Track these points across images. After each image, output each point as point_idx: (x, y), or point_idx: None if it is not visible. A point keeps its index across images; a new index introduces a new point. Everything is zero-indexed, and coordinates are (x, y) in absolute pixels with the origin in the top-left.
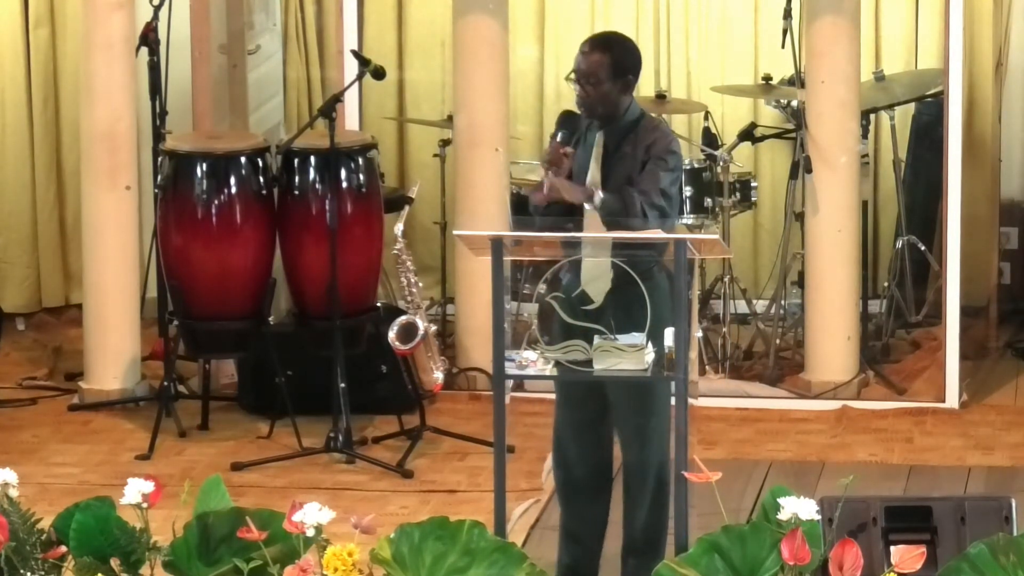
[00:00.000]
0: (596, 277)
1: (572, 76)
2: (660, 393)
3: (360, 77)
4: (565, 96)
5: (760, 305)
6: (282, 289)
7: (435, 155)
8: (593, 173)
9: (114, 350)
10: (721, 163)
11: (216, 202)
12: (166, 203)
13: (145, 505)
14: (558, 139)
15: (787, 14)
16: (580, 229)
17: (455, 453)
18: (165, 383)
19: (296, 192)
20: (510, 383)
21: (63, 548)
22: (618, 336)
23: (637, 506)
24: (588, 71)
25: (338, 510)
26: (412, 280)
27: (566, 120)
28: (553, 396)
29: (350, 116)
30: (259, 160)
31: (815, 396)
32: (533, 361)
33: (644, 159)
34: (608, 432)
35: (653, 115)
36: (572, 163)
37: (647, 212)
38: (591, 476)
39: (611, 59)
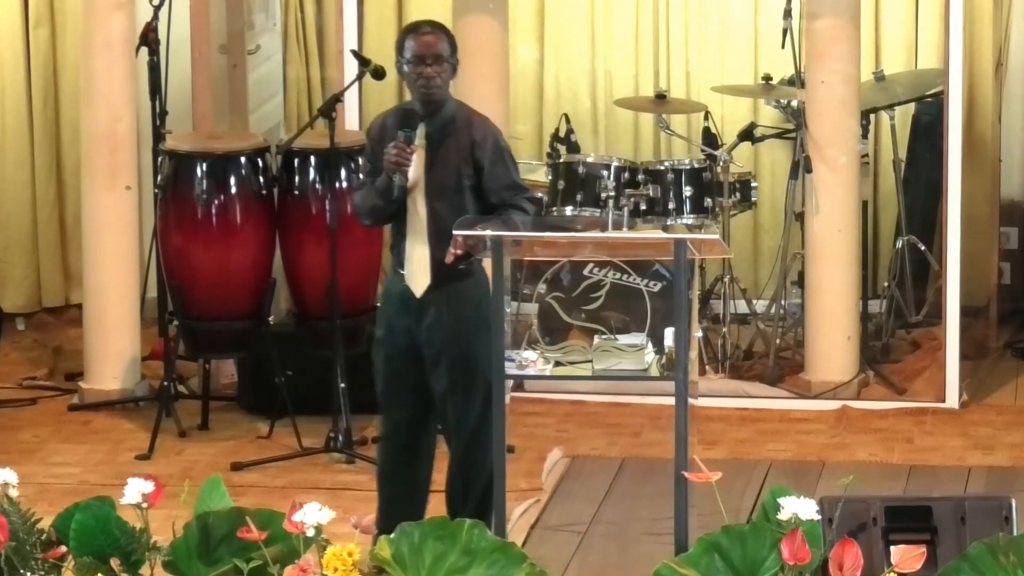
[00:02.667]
0: (416, 272)
1: (408, 65)
2: (479, 382)
3: (360, 77)
4: (565, 96)
5: (760, 305)
6: (282, 289)
7: None
8: (416, 166)
9: (114, 350)
10: (721, 163)
11: (216, 202)
12: (166, 203)
13: (145, 505)
14: (400, 139)
15: (787, 14)
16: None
17: None
18: (165, 383)
19: (296, 192)
20: (510, 383)
21: (63, 548)
22: (618, 336)
23: (455, 468)
24: (436, 50)
25: (338, 510)
26: None
27: (405, 118)
28: (553, 396)
29: (350, 116)
30: (259, 160)
31: (815, 396)
32: (533, 361)
33: (478, 156)
34: (433, 428)
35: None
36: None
37: (525, 218)
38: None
39: (448, 37)
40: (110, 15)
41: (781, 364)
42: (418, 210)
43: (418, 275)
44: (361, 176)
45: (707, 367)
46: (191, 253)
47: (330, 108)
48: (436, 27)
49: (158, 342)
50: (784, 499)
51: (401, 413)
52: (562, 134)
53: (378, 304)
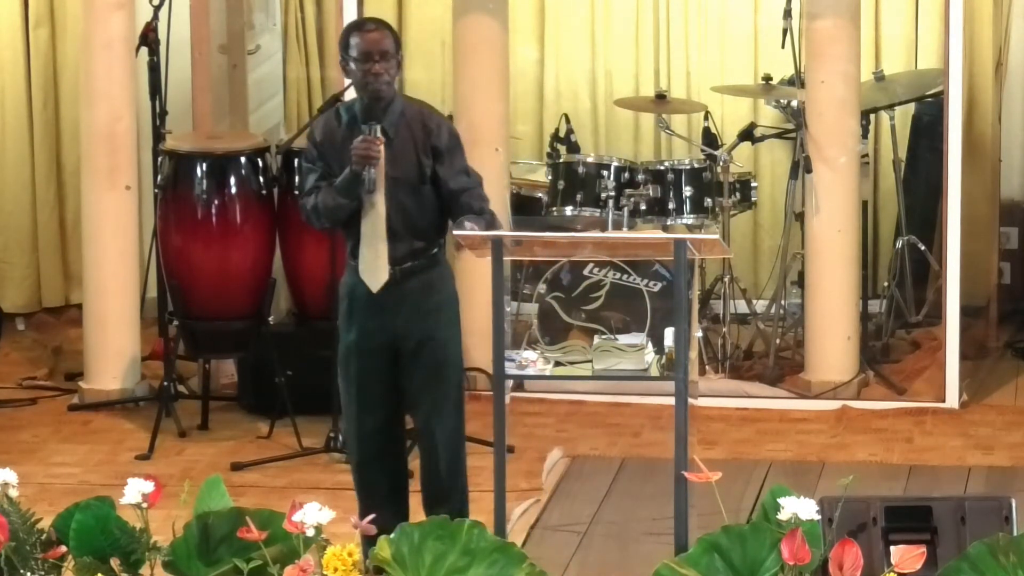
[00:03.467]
0: (374, 268)
1: (354, 63)
2: (454, 370)
3: None
4: (565, 96)
5: (760, 305)
6: (282, 289)
7: None
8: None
9: (114, 350)
10: (721, 163)
11: (216, 202)
12: (166, 203)
13: (145, 505)
14: (368, 133)
15: (787, 14)
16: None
17: None
18: (165, 383)
19: (296, 192)
20: (510, 383)
21: (63, 548)
22: (618, 336)
23: (436, 463)
24: (383, 47)
25: (338, 510)
26: None
27: (369, 112)
28: (553, 396)
29: None
30: (259, 160)
31: (815, 396)
32: (533, 361)
33: (435, 144)
34: (403, 422)
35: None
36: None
37: (485, 205)
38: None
39: (393, 34)
40: (110, 15)
41: (781, 364)
42: (376, 207)
43: (377, 272)
44: (308, 182)
45: (707, 367)
46: (191, 253)
47: (330, 108)
48: (380, 24)
49: (158, 342)
50: (784, 499)
51: (377, 417)
52: (562, 134)
53: (342, 309)
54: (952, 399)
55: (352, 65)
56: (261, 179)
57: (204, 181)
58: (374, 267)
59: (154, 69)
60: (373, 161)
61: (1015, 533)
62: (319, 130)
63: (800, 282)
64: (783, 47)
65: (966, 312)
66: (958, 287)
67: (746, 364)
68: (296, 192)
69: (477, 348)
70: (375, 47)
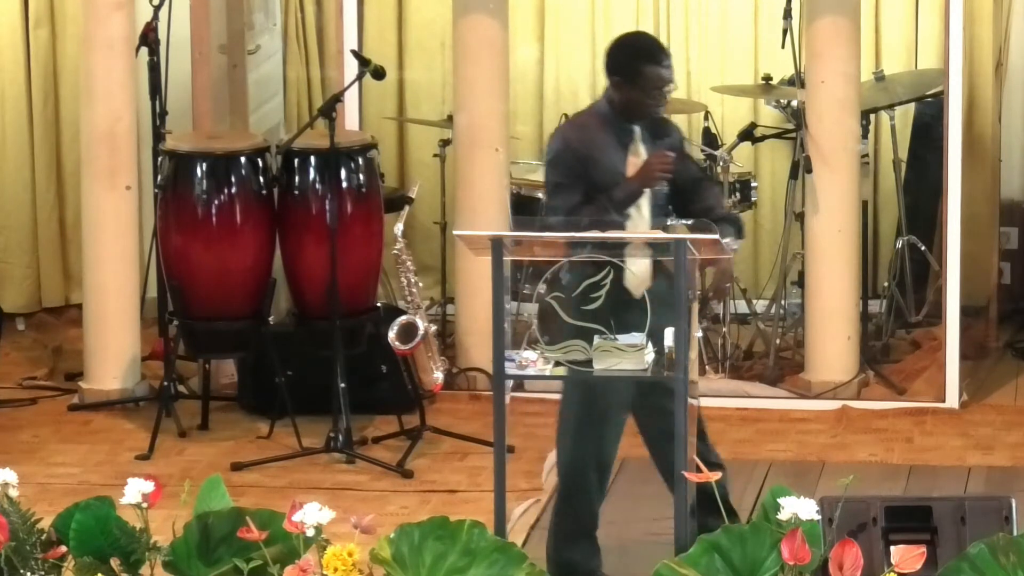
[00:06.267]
0: (644, 279)
1: (643, 91)
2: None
3: (360, 77)
4: (565, 96)
5: (760, 305)
6: (282, 289)
7: (435, 155)
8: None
9: (114, 350)
10: (721, 163)
11: (216, 202)
12: (166, 203)
13: (145, 505)
14: (663, 148)
15: (787, 14)
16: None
17: (455, 453)
18: (165, 383)
19: (296, 192)
20: (510, 383)
21: (63, 548)
22: (618, 336)
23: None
24: (671, 79)
25: (338, 510)
26: (412, 280)
27: (654, 128)
28: (553, 396)
29: (350, 116)
30: (259, 160)
31: (815, 396)
32: (533, 361)
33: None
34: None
35: None
36: None
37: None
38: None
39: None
40: (110, 15)
41: (781, 364)
42: (644, 218)
43: (644, 283)
44: (572, 198)
45: (707, 367)
46: (191, 253)
47: (330, 108)
48: (670, 56)
49: (158, 342)
50: (784, 499)
51: None
52: None
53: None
54: (952, 399)
55: (639, 92)
56: (261, 179)
57: (204, 181)
58: (646, 278)
59: (154, 69)
60: (668, 177)
61: (1015, 533)
62: (574, 138)
63: (800, 282)
64: (783, 47)
65: (966, 312)
66: (958, 287)
67: (746, 364)
68: (296, 192)
69: (477, 348)
70: (667, 83)
